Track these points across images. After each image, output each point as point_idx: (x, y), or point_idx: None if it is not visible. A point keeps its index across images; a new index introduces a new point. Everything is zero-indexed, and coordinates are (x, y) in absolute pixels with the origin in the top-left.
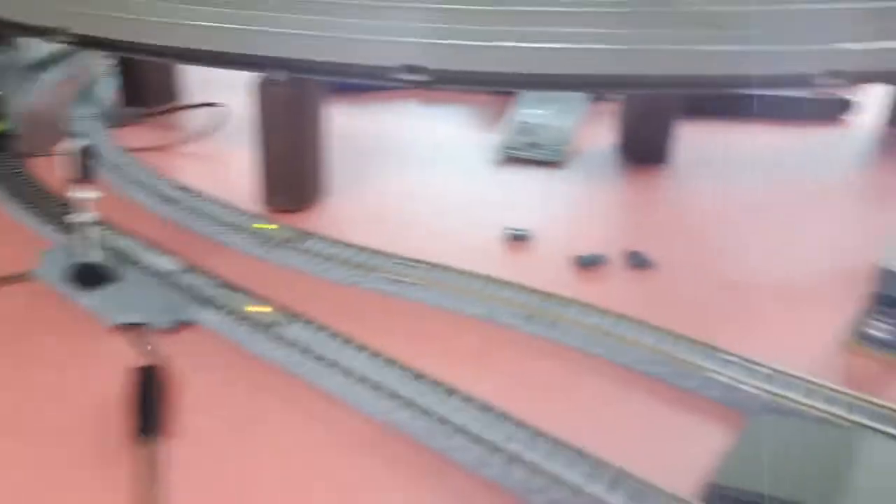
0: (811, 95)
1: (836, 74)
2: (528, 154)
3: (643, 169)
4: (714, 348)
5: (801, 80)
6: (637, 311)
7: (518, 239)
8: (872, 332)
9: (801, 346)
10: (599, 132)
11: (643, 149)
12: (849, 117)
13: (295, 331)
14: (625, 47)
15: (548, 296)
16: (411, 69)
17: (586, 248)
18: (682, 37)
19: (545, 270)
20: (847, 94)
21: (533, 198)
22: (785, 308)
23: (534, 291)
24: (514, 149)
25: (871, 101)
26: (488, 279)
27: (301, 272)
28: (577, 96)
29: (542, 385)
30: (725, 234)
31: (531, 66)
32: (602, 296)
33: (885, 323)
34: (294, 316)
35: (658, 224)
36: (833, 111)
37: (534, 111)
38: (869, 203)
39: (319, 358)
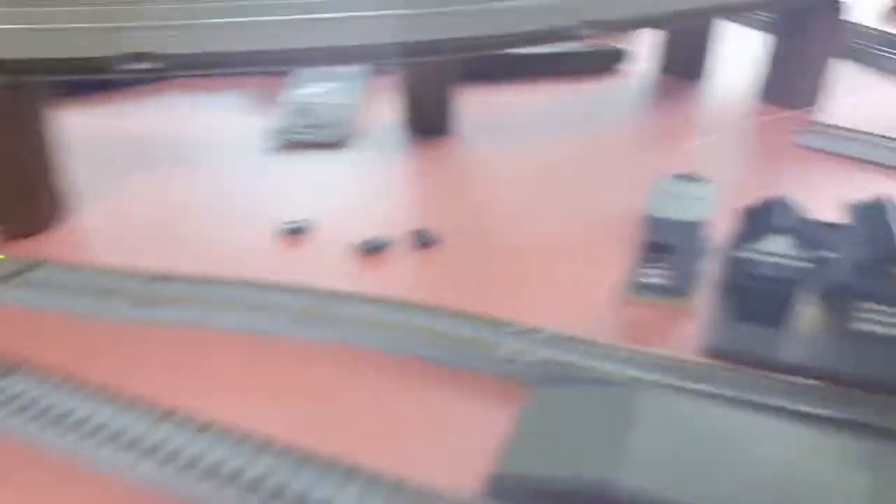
0: (586, 49)
1: (593, 25)
2: (307, 137)
3: (429, 141)
4: (496, 322)
5: (563, 34)
6: (421, 293)
7: (296, 232)
8: (646, 279)
9: (585, 304)
10: (383, 107)
11: (427, 121)
12: (623, 67)
13: (13, 384)
14: (393, 13)
15: (323, 293)
16: (139, 57)
17: (371, 233)
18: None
19: (325, 264)
20: (620, 45)
21: (314, 184)
22: (568, 267)
23: (308, 291)
24: (292, 133)
25: (643, 49)
26: (258, 285)
27: (29, 310)
28: (357, 71)
29: (314, 396)
30: (510, 199)
31: (282, 41)
32: (385, 283)
33: (656, 269)
34: (13, 366)
35: (444, 197)
36: (608, 62)
37: (310, 90)
38: (645, 150)
39: (46, 412)
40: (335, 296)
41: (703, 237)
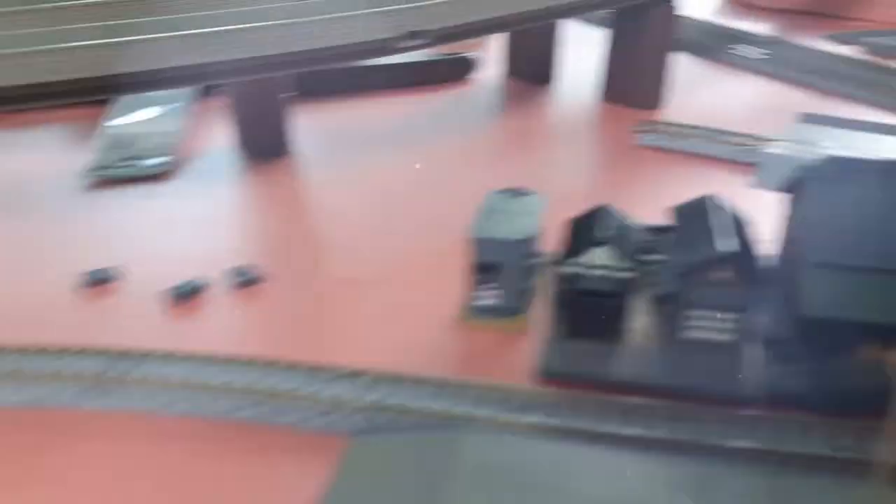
0: (435, 58)
1: (420, 35)
2: (123, 172)
3: (264, 165)
4: (315, 369)
5: (389, 46)
6: (237, 342)
7: (100, 282)
8: (479, 302)
9: (421, 335)
10: (213, 131)
11: (261, 143)
12: (474, 75)
13: None
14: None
15: (121, 354)
16: None
17: (190, 274)
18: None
19: (130, 317)
20: (469, 53)
21: (128, 225)
22: (405, 297)
23: (104, 353)
24: (107, 168)
25: (495, 56)
26: (46, 350)
27: None
28: (182, 94)
29: (97, 478)
30: (345, 225)
31: (90, 68)
32: (197, 334)
33: (488, 290)
34: None
35: (275, 228)
36: (459, 71)
37: (130, 119)
38: (491, 161)
39: None
40: (134, 356)
41: (532, 253)
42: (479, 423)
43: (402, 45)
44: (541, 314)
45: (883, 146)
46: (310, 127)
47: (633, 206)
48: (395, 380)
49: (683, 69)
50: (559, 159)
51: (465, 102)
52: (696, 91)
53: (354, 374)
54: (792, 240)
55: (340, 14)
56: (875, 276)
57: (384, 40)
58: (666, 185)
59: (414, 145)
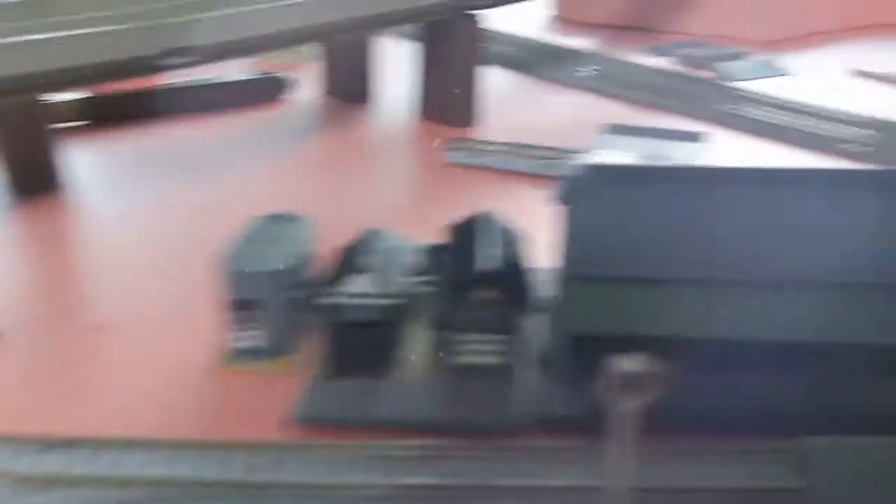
0: (242, 78)
1: (180, 53)
2: None
3: (33, 204)
4: (25, 440)
5: (141, 67)
6: None
7: None
8: (239, 344)
9: (168, 388)
10: None
11: (30, 178)
12: (289, 95)
13: None
14: None
15: None
16: None
17: None
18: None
19: None
20: (282, 73)
21: None
22: (157, 344)
23: None
24: None
25: (310, 75)
26: None
27: None
28: None
29: None
30: (111, 266)
31: None
32: None
33: (247, 329)
34: None
35: (26, 276)
36: (270, 92)
37: None
38: (299, 182)
39: None
40: None
41: (296, 285)
42: (216, 488)
43: (161, 63)
44: (310, 353)
45: (680, 152)
46: (97, 157)
47: (432, 224)
48: (124, 445)
49: (504, 86)
50: (367, 180)
51: (278, 124)
52: (515, 108)
53: (71, 443)
54: (561, 253)
55: (82, 31)
56: (637, 287)
57: (138, 59)
58: (469, 202)
59: (215, 171)
